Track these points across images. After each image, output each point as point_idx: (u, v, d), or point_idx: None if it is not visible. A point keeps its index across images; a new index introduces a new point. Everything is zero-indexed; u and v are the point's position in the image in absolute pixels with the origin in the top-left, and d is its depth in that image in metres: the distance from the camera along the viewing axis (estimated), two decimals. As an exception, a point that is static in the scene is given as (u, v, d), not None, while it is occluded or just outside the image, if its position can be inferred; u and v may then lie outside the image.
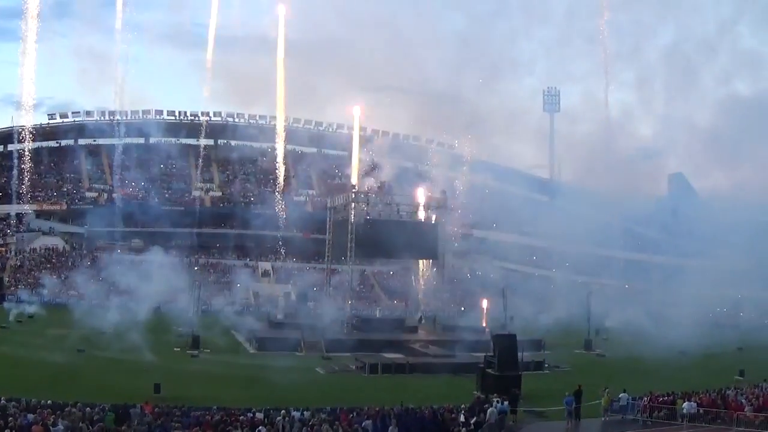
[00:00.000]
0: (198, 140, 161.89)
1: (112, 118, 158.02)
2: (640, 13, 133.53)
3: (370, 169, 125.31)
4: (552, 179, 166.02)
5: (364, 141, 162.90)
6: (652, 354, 77.15)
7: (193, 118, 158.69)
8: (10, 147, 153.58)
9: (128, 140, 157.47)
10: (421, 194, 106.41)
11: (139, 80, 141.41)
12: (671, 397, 54.79)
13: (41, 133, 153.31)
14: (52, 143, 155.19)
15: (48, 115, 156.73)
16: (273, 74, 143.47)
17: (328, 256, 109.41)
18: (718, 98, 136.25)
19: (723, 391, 56.64)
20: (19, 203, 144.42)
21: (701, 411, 53.26)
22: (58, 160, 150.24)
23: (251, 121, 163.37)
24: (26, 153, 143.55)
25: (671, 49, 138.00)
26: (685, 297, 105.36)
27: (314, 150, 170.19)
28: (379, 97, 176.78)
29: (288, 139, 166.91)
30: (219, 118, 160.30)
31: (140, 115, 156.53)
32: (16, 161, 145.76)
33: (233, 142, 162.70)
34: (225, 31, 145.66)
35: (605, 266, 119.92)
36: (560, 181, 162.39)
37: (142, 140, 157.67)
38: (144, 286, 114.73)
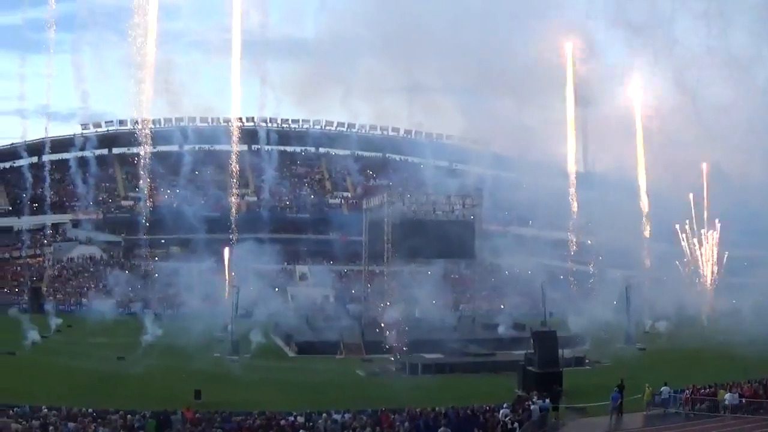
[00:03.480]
0: (233, 146, 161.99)
1: (146, 126, 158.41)
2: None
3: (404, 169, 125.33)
4: (586, 172, 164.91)
5: (397, 141, 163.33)
6: (693, 345, 76.74)
7: (226, 124, 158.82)
8: (45, 158, 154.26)
9: (162, 148, 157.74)
10: (456, 192, 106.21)
11: (172, 88, 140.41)
12: (713, 389, 54.39)
13: (75, 143, 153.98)
14: (87, 153, 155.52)
15: (81, 125, 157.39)
16: (304, 77, 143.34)
17: (364, 258, 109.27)
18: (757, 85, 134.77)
19: (765, 382, 56.12)
20: (55, 213, 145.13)
21: (743, 402, 52.85)
22: (92, 170, 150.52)
23: (284, 125, 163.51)
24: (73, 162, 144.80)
25: (703, 37, 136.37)
26: (724, 286, 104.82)
27: (348, 152, 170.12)
28: (411, 96, 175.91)
29: (321, 142, 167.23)
30: (252, 124, 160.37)
31: (173, 122, 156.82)
32: (50, 171, 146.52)
33: (267, 147, 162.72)
34: (254, 36, 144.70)
35: (644, 258, 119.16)
36: (594, 173, 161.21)
37: (176, 148, 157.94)
38: (182, 293, 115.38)
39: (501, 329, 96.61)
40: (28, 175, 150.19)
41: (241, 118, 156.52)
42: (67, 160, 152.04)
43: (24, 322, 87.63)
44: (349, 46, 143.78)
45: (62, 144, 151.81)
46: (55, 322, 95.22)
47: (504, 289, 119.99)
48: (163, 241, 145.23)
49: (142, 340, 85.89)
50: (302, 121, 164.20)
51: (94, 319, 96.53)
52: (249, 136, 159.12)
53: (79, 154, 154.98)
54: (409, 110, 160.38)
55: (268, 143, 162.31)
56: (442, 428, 43.78)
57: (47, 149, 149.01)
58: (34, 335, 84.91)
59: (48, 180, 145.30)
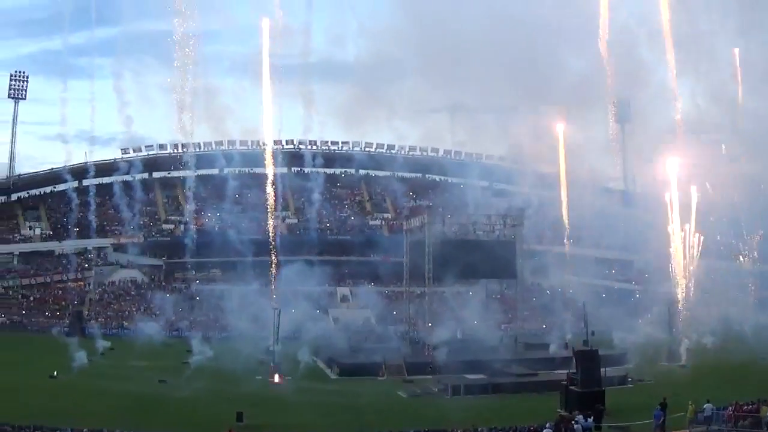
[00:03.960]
0: (271, 169, 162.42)
1: (185, 150, 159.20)
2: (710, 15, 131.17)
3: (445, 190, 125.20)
4: (627, 190, 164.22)
5: (438, 161, 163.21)
6: (736, 362, 76.13)
7: (264, 147, 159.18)
8: (85, 182, 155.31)
9: (202, 172, 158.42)
10: (497, 212, 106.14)
11: (211, 112, 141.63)
12: (756, 406, 53.95)
13: (115, 168, 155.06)
14: (127, 177, 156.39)
15: (121, 150, 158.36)
16: (344, 98, 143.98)
17: (406, 279, 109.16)
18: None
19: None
20: (96, 237, 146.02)
21: (786, 418, 52.42)
22: (133, 194, 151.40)
23: (323, 147, 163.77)
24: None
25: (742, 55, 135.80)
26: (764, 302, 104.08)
27: (388, 173, 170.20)
28: (451, 116, 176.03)
29: (361, 163, 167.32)
30: (291, 146, 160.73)
31: (213, 146, 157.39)
32: (92, 196, 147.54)
33: (306, 170, 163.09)
34: (290, 59, 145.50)
35: (684, 275, 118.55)
36: (635, 191, 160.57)
37: (215, 171, 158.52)
38: (225, 315, 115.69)
39: (552, 348, 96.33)
40: (72, 199, 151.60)
41: (280, 141, 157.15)
42: (108, 185, 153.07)
43: (72, 345, 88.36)
44: (388, 67, 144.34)
45: (103, 168, 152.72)
46: (102, 345, 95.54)
47: (546, 308, 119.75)
48: (204, 263, 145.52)
49: (187, 363, 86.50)
50: (341, 143, 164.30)
51: (139, 341, 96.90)
52: (290, 158, 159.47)
53: (120, 178, 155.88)
54: (450, 130, 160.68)
55: (309, 165, 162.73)
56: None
57: (88, 174, 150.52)
58: (81, 357, 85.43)
59: (89, 204, 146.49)
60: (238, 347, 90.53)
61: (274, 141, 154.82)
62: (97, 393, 67.35)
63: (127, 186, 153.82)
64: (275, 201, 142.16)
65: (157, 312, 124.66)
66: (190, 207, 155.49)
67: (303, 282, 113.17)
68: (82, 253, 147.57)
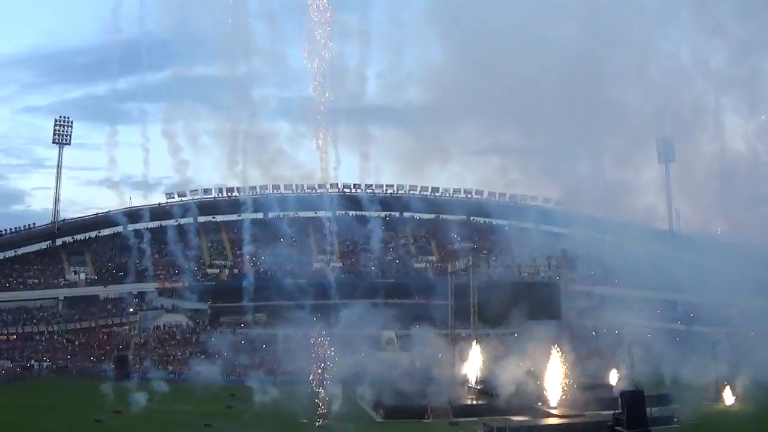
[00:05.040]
0: (316, 213, 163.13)
1: (230, 194, 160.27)
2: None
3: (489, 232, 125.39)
4: (671, 230, 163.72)
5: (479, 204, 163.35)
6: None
7: (310, 191, 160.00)
8: (130, 227, 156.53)
9: (247, 216, 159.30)
10: (541, 254, 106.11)
11: (256, 156, 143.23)
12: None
13: (159, 212, 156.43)
14: (171, 222, 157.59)
15: (166, 194, 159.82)
16: (386, 144, 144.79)
17: (450, 322, 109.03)
18: None
19: None
20: (140, 282, 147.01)
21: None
22: (178, 239, 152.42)
23: (368, 191, 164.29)
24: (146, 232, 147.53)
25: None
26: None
27: (432, 216, 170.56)
28: (484, 158, 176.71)
29: (407, 206, 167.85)
30: (336, 190, 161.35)
31: (258, 190, 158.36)
32: (135, 241, 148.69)
33: (351, 213, 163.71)
34: (337, 103, 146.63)
35: (730, 315, 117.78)
36: (680, 231, 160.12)
37: (261, 215, 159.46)
38: (268, 359, 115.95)
39: (590, 390, 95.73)
40: (117, 243, 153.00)
41: (325, 185, 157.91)
42: (153, 229, 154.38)
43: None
44: (438, 112, 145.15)
45: (148, 213, 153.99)
46: (141, 390, 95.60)
47: (592, 349, 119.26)
48: (249, 307, 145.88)
49: (230, 407, 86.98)
50: (386, 185, 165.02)
51: (182, 387, 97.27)
52: (329, 202, 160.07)
53: (163, 222, 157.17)
54: (498, 173, 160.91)
55: (355, 209, 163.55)
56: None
57: (133, 218, 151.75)
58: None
59: (134, 249, 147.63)
60: (282, 391, 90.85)
61: (318, 185, 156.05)
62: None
63: (172, 231, 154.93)
64: (320, 245, 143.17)
65: (202, 356, 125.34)
66: (234, 251, 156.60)
67: (348, 325, 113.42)
68: (126, 297, 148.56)
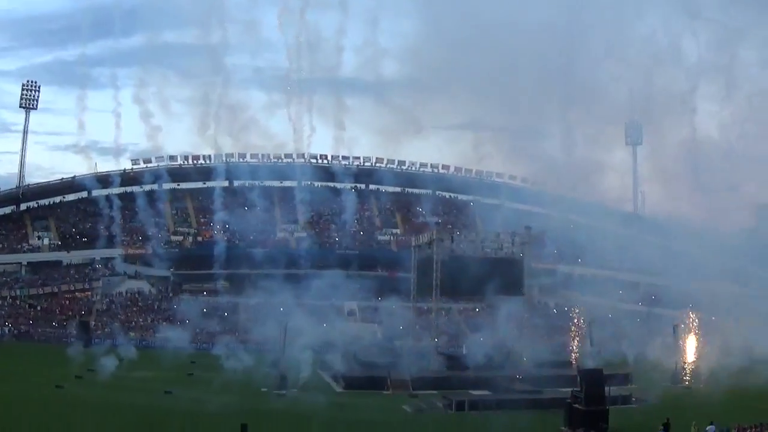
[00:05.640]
0: (282, 182, 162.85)
1: (196, 162, 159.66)
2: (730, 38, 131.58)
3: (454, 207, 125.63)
4: (636, 212, 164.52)
5: (446, 178, 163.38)
6: (740, 385, 76.10)
7: (277, 160, 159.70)
8: (95, 193, 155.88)
9: (211, 184, 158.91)
10: (504, 230, 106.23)
11: (225, 124, 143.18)
12: (759, 428, 54.11)
13: (125, 178, 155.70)
14: (136, 188, 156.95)
15: (131, 160, 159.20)
16: (358, 116, 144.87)
17: (413, 295, 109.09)
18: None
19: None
20: (104, 248, 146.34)
21: (788, 442, 52.59)
22: (142, 205, 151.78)
23: (335, 162, 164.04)
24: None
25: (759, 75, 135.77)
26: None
27: (397, 189, 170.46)
28: (456, 134, 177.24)
29: (371, 179, 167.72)
30: (303, 160, 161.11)
31: (224, 158, 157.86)
32: (100, 207, 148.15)
33: (317, 183, 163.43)
34: (305, 73, 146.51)
35: (691, 298, 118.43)
36: (645, 214, 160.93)
37: (226, 183, 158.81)
38: (229, 327, 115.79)
39: (549, 367, 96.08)
40: (81, 209, 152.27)
41: (291, 155, 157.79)
42: (117, 196, 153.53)
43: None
44: (406, 85, 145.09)
45: (112, 179, 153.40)
46: (102, 356, 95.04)
47: (552, 326, 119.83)
48: (211, 275, 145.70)
49: (189, 375, 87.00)
50: (352, 157, 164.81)
51: (142, 353, 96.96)
52: (295, 171, 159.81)
53: (129, 189, 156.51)
54: (464, 149, 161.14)
55: (320, 180, 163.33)
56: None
57: (96, 184, 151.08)
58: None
59: (98, 215, 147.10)
60: (244, 360, 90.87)
61: (285, 155, 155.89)
62: (103, 405, 67.46)
63: (137, 197, 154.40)
64: (285, 215, 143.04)
65: (165, 323, 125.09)
66: (198, 219, 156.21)
67: (309, 296, 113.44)
68: (90, 263, 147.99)
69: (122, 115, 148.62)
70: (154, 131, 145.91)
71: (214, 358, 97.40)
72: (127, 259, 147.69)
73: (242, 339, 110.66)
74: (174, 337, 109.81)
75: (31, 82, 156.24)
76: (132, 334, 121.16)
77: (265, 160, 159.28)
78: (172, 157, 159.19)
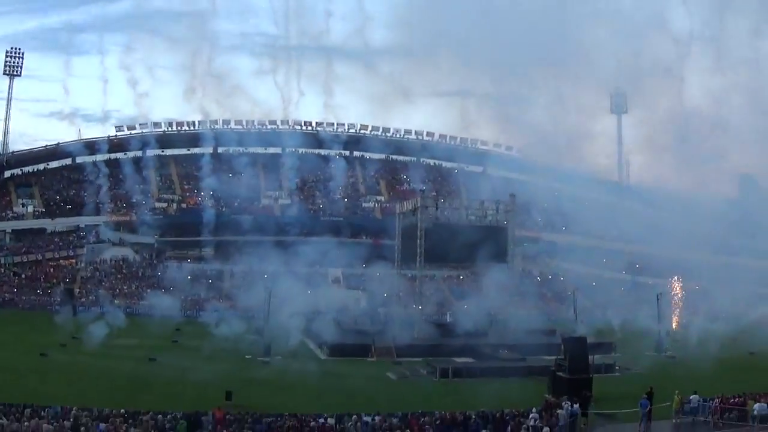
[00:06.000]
0: (266, 149, 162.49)
1: (180, 128, 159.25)
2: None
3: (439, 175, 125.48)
4: (621, 181, 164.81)
5: (430, 146, 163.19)
6: (723, 355, 76.36)
7: (260, 127, 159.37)
8: (79, 159, 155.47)
9: (196, 150, 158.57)
10: (489, 198, 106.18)
11: (211, 90, 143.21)
12: (742, 399, 54.32)
13: (109, 145, 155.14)
14: (120, 155, 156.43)
15: (115, 127, 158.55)
16: (346, 83, 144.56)
17: (397, 262, 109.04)
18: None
19: (796, 392, 56.01)
20: (88, 215, 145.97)
21: (772, 412, 52.76)
22: (126, 172, 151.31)
23: (318, 128, 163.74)
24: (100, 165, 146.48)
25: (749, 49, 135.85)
26: (756, 298, 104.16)
27: (382, 156, 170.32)
28: (441, 102, 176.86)
29: (357, 146, 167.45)
30: (285, 126, 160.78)
31: (209, 125, 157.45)
32: (85, 173, 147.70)
33: (302, 150, 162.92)
34: (291, 40, 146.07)
35: (676, 267, 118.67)
36: (629, 182, 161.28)
37: (210, 150, 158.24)
38: (214, 294, 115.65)
39: (533, 335, 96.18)
40: (65, 176, 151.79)
41: (275, 122, 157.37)
42: (102, 162, 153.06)
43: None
44: (393, 52, 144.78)
45: (96, 146, 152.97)
46: (86, 323, 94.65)
47: (537, 294, 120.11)
48: (196, 242, 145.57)
49: (174, 342, 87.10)
50: (337, 124, 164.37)
51: (127, 320, 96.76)
52: (282, 138, 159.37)
53: (113, 156, 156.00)
54: (451, 116, 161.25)
55: (304, 146, 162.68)
56: (484, 431, 43.90)
57: (81, 151, 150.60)
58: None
59: (82, 182, 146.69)
60: (229, 327, 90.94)
61: (268, 122, 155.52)
62: (87, 372, 67.45)
63: (120, 164, 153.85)
64: (270, 182, 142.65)
65: (149, 290, 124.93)
66: (182, 186, 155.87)
67: (294, 262, 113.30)
68: (74, 231, 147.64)
69: (107, 81, 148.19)
70: (140, 98, 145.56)
71: (200, 325, 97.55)
72: (112, 226, 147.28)
73: (228, 306, 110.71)
74: (160, 304, 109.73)
75: (15, 48, 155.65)
76: (117, 301, 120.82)
77: (249, 127, 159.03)
78: (156, 124, 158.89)
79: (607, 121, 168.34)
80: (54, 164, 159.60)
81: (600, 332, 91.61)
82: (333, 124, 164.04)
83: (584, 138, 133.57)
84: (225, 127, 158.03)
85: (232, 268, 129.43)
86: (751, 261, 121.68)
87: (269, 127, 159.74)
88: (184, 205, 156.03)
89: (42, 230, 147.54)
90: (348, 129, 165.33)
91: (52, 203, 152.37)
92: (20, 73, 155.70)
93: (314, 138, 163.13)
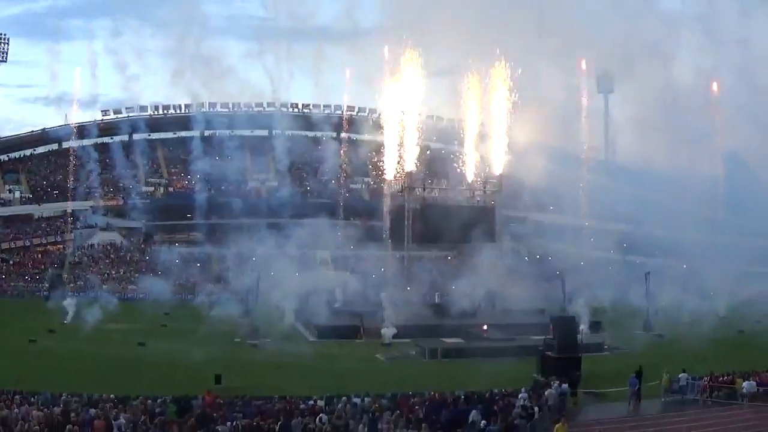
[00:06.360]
0: (253, 131, 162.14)
1: (166, 112, 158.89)
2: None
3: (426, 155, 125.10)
4: (607, 160, 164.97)
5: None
6: (712, 334, 76.54)
7: (246, 109, 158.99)
8: (65, 144, 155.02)
9: (182, 134, 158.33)
10: (477, 178, 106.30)
11: (196, 73, 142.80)
12: (731, 377, 54.53)
13: (96, 130, 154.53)
14: (107, 139, 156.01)
15: (102, 111, 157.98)
16: (327, 63, 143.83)
17: (385, 243, 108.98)
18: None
19: (784, 371, 56.28)
20: (75, 200, 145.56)
21: (761, 390, 52.97)
22: (113, 156, 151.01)
23: (305, 110, 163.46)
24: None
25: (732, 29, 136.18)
26: (743, 276, 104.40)
27: (369, 137, 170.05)
28: (433, 82, 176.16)
29: (343, 127, 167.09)
30: (272, 109, 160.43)
31: (195, 108, 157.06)
32: (71, 159, 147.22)
33: (289, 132, 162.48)
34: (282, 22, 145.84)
35: (663, 246, 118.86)
36: (616, 162, 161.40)
37: (195, 133, 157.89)
38: (203, 278, 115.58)
39: (521, 315, 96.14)
40: (52, 162, 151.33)
41: (262, 104, 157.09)
42: (86, 147, 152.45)
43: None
44: (380, 33, 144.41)
45: (85, 131, 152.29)
46: (75, 308, 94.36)
47: (525, 274, 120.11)
48: (183, 226, 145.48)
49: (163, 326, 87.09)
50: (323, 105, 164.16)
51: (115, 305, 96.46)
52: (268, 120, 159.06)
53: (99, 140, 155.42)
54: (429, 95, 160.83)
55: (289, 128, 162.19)
56: (474, 411, 43.92)
57: (67, 136, 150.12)
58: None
59: (69, 167, 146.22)
60: (217, 310, 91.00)
61: (254, 104, 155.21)
62: (76, 357, 67.39)
63: (107, 148, 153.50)
64: (257, 164, 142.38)
65: (137, 275, 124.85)
66: (172, 169, 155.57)
67: (281, 245, 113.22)
68: (61, 216, 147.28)
69: (92, 67, 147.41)
70: (126, 82, 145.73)
71: (192, 308, 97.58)
72: (99, 210, 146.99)
73: (217, 290, 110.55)
74: (149, 288, 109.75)
75: (1, 34, 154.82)
76: (106, 286, 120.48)
77: (236, 110, 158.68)
78: (143, 108, 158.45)
79: (594, 100, 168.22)
80: (41, 150, 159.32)
81: (588, 311, 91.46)
82: (319, 105, 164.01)
83: (571, 117, 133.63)
84: (211, 110, 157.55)
85: (221, 251, 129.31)
86: (739, 239, 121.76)
87: (255, 109, 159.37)
88: (171, 189, 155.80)
89: (29, 216, 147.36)
90: (334, 110, 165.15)
91: (39, 189, 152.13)
92: (6, 59, 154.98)
93: (302, 120, 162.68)
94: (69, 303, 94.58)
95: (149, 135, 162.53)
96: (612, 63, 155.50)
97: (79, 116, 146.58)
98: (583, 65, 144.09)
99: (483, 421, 41.66)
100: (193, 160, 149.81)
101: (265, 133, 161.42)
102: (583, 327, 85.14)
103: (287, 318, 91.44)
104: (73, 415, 40.51)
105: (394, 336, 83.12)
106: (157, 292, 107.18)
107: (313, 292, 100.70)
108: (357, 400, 46.53)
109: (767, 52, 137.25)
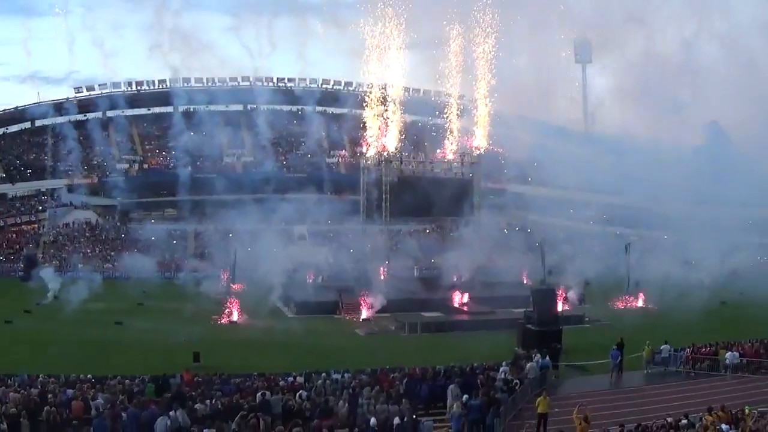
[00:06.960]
0: (228, 106, 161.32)
1: (139, 88, 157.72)
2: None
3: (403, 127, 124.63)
4: (586, 131, 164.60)
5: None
6: (693, 305, 76.33)
7: (221, 84, 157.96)
8: (39, 122, 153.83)
9: (157, 110, 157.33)
10: (454, 150, 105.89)
11: (166, 48, 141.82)
12: (714, 348, 54.42)
13: (69, 107, 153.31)
14: (80, 117, 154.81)
15: (75, 88, 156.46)
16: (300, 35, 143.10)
17: (362, 217, 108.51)
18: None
19: (766, 341, 56.13)
20: (50, 179, 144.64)
21: (744, 361, 52.91)
22: (87, 134, 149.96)
23: (280, 84, 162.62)
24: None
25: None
26: (725, 247, 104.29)
27: (345, 110, 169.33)
28: (410, 55, 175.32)
29: (320, 101, 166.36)
30: (248, 83, 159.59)
31: (168, 84, 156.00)
32: (45, 137, 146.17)
33: (264, 107, 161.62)
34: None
35: (643, 218, 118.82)
36: (594, 133, 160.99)
37: (170, 109, 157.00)
38: (180, 255, 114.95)
39: (501, 287, 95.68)
40: (25, 140, 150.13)
41: (236, 78, 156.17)
42: (60, 125, 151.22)
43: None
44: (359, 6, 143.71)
45: (55, 109, 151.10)
46: (51, 289, 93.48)
47: (504, 246, 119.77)
48: (159, 202, 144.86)
49: (140, 305, 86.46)
50: (299, 79, 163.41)
51: (92, 284, 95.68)
52: (244, 95, 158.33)
53: (73, 118, 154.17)
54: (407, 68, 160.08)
55: (265, 102, 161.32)
56: (452, 385, 43.61)
57: (40, 114, 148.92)
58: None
59: (42, 145, 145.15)
60: (195, 288, 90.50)
61: (229, 78, 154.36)
62: (53, 338, 66.71)
63: (80, 125, 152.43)
64: (231, 139, 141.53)
65: (112, 253, 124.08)
66: (144, 146, 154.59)
67: (258, 220, 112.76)
68: (35, 195, 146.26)
69: (64, 43, 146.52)
70: (103, 58, 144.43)
71: (173, 286, 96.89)
72: (73, 189, 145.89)
73: (194, 267, 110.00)
74: (128, 266, 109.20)
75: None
76: (81, 265, 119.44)
77: (211, 85, 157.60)
78: (116, 84, 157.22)
79: (572, 70, 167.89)
80: (13, 128, 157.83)
81: (568, 284, 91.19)
82: (294, 79, 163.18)
83: (549, 88, 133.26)
84: (186, 85, 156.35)
85: (198, 227, 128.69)
86: (720, 209, 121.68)
87: (231, 84, 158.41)
88: (146, 166, 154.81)
89: (3, 196, 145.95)
90: (309, 83, 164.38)
91: (12, 168, 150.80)
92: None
93: (278, 94, 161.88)
94: (51, 281, 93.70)
95: (122, 112, 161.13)
96: (590, 32, 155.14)
97: (51, 93, 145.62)
98: (561, 35, 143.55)
99: (464, 396, 41.28)
100: (168, 137, 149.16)
101: (240, 107, 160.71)
102: (573, 294, 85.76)
103: (265, 295, 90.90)
104: (50, 396, 40.05)
105: (375, 311, 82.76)
106: (138, 270, 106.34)
107: (290, 268, 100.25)
108: (337, 376, 46.19)
109: (748, 20, 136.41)
